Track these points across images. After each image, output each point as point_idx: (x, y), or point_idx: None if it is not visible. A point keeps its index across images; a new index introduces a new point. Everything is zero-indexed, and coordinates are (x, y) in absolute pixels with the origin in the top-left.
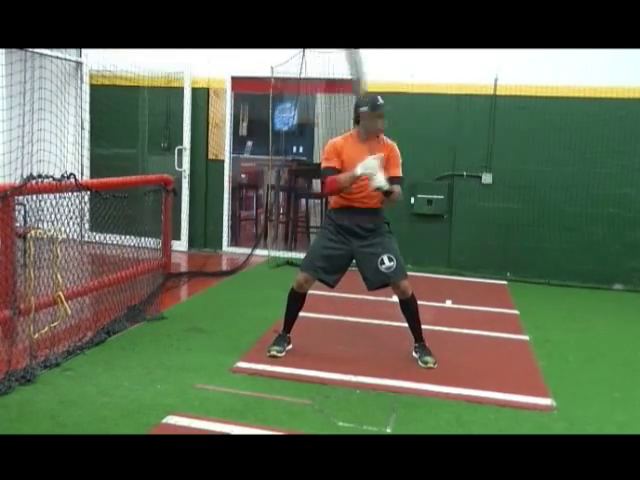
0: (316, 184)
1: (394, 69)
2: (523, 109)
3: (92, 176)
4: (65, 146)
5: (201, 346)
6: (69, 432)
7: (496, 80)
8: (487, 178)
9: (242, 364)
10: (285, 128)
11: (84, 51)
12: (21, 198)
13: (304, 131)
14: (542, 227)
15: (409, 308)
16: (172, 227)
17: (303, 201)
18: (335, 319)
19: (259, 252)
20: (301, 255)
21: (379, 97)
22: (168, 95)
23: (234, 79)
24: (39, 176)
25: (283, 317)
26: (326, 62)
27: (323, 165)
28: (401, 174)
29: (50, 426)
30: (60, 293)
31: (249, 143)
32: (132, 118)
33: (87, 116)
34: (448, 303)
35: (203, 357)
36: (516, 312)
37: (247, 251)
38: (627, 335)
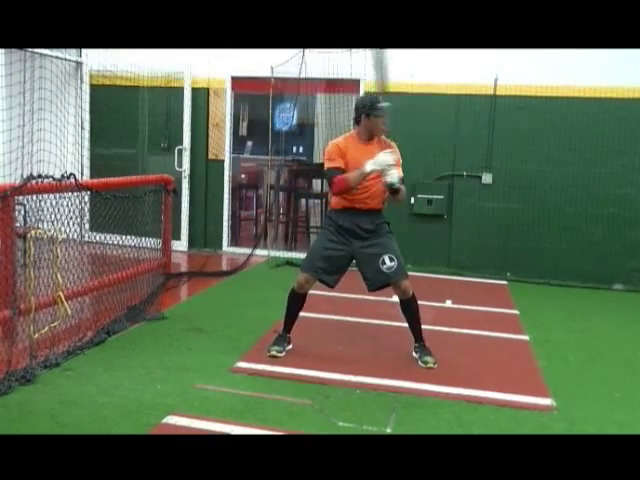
0: (316, 184)
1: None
2: (523, 109)
3: (92, 176)
4: (65, 146)
5: (201, 346)
6: (69, 432)
7: (496, 80)
8: (487, 178)
9: (242, 364)
10: (285, 128)
11: (84, 51)
12: (21, 198)
13: (304, 131)
14: (542, 227)
15: (409, 308)
16: (172, 227)
17: (303, 201)
18: (335, 319)
19: (259, 252)
20: (301, 255)
21: (381, 97)
22: (168, 95)
23: (234, 79)
24: (39, 176)
25: (283, 317)
26: (326, 62)
27: (328, 166)
28: (402, 174)
29: (50, 426)
30: (60, 293)
31: (249, 143)
32: (132, 118)
33: (87, 116)
34: (448, 303)
35: (203, 357)
36: (516, 312)
37: (247, 251)
38: (627, 335)
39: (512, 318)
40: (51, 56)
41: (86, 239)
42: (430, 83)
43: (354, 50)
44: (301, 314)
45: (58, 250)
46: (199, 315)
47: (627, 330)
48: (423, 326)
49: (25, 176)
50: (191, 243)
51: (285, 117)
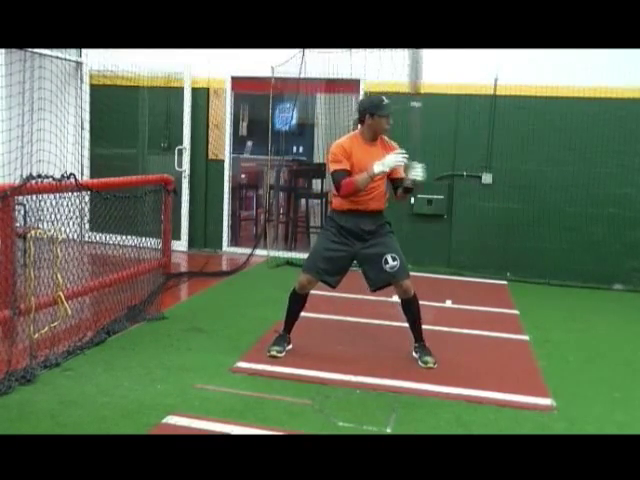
0: (316, 184)
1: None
2: (523, 109)
3: (92, 176)
4: (65, 146)
5: (201, 346)
6: (69, 432)
7: (496, 80)
8: (487, 178)
9: (242, 364)
10: (285, 128)
11: (84, 51)
12: (21, 198)
13: (304, 131)
14: (542, 227)
15: (411, 308)
16: (172, 227)
17: (303, 201)
18: (335, 319)
19: (259, 252)
20: (301, 255)
21: (384, 97)
22: (168, 95)
23: (234, 79)
24: (39, 176)
25: (283, 317)
26: (326, 62)
27: (334, 168)
28: (404, 175)
29: (50, 426)
30: (60, 293)
31: (249, 143)
32: (132, 118)
33: (87, 116)
34: (448, 303)
35: (203, 357)
36: (516, 312)
37: (247, 251)
38: (627, 335)
39: (512, 318)
40: (51, 56)
41: (86, 239)
42: (430, 83)
43: (354, 50)
44: (301, 314)
45: (58, 250)
46: (199, 315)
47: (627, 330)
48: (423, 326)
49: (25, 176)
50: (191, 243)
51: (285, 117)
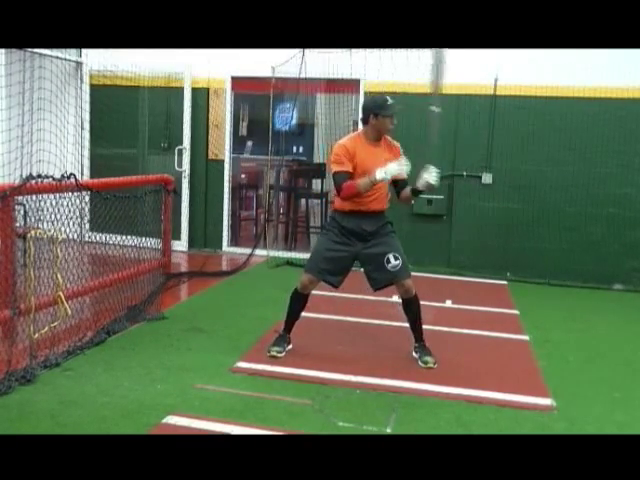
0: (316, 184)
1: (394, 69)
2: (523, 109)
3: (92, 176)
4: (65, 146)
5: (201, 346)
6: (69, 432)
7: (496, 80)
8: (487, 178)
9: (242, 364)
10: (285, 128)
11: (84, 51)
12: (21, 198)
13: (304, 131)
14: (542, 227)
15: (412, 308)
16: (172, 227)
17: (303, 201)
18: (335, 319)
19: (259, 252)
20: (301, 255)
21: (388, 97)
22: (168, 95)
23: (234, 79)
24: (39, 176)
25: (283, 317)
26: (326, 62)
27: (336, 169)
28: (405, 176)
29: (50, 426)
30: (60, 293)
31: (249, 143)
32: (132, 118)
33: (87, 116)
34: (448, 303)
35: (203, 357)
36: (516, 312)
37: (247, 251)
38: (627, 335)
39: (512, 318)
40: (51, 56)
41: (86, 239)
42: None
43: (354, 50)
44: (301, 314)
45: (58, 250)
46: (199, 315)
47: (627, 330)
48: (423, 326)
49: (25, 176)
50: (191, 243)
51: (285, 117)
